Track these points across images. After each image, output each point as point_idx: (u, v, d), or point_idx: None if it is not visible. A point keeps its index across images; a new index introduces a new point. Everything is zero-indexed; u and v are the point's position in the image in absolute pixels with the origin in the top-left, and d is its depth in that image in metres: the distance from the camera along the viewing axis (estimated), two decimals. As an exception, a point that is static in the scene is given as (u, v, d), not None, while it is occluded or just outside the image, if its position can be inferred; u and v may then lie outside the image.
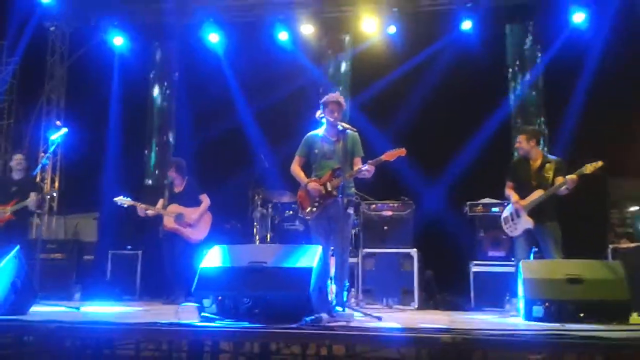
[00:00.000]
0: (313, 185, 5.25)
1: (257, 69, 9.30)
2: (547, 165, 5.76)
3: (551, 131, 8.67)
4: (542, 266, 5.07)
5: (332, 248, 5.17)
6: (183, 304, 5.81)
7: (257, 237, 7.41)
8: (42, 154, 9.41)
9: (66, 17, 9.98)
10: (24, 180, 6.92)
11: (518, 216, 5.77)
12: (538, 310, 4.55)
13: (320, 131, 5.45)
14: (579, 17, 8.65)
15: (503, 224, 5.99)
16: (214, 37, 9.61)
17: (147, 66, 10.31)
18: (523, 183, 5.84)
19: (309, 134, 5.51)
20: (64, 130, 6.40)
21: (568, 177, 5.45)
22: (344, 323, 4.12)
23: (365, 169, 5.05)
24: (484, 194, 7.49)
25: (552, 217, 5.67)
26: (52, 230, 9.70)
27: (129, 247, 8.23)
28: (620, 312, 4.36)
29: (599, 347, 3.18)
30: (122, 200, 7.10)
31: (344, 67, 9.76)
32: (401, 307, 6.79)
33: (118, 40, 9.86)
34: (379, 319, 4.71)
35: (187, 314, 4.20)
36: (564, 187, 5.48)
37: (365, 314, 4.99)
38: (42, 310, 4.93)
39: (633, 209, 7.51)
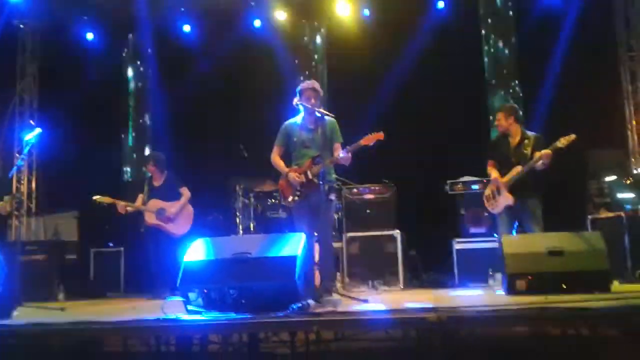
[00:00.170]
0: (293, 175, 5.24)
1: (232, 57, 9.23)
2: (526, 141, 5.80)
3: (526, 96, 8.73)
4: (522, 240, 5.14)
5: (316, 235, 5.19)
6: (169, 298, 5.80)
7: (240, 228, 7.39)
8: (17, 155, 9.26)
9: (35, 14, 9.77)
10: (-1, 183, 6.81)
11: (499, 193, 5.82)
12: (520, 284, 4.63)
13: (298, 119, 5.42)
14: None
15: (485, 201, 6.04)
16: (187, 27, 9.52)
17: (119, 53, 10.20)
18: (503, 160, 5.88)
19: (286, 122, 5.48)
20: (38, 130, 6.30)
21: (543, 151, 5.50)
22: (330, 308, 4.15)
23: (344, 156, 5.05)
24: (464, 171, 7.54)
25: (532, 193, 5.72)
26: (31, 231, 9.58)
27: (111, 244, 8.17)
28: (601, 281, 4.43)
29: (584, 318, 3.23)
30: (101, 199, 7.03)
31: (319, 52, 9.72)
32: (387, 288, 6.85)
33: (89, 35, 9.76)
34: (366, 301, 4.75)
35: (173, 309, 4.18)
36: (540, 162, 5.53)
37: (352, 298, 5.02)
38: (26, 313, 4.88)
39: (609, 179, 7.61)
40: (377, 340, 4.34)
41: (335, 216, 6.95)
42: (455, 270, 7.04)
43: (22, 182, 9.58)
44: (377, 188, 7.43)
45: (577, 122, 6.86)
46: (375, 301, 4.88)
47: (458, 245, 7.12)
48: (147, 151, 9.91)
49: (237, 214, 7.45)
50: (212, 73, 9.38)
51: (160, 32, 9.80)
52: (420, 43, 8.78)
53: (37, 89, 10.04)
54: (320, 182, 4.98)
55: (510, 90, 8.86)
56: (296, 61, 9.61)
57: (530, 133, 5.91)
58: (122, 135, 10.13)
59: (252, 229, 7.39)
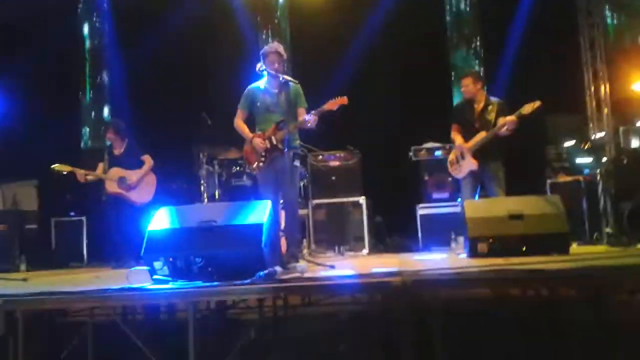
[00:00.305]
0: (257, 140, 5.20)
1: (193, 22, 8.99)
2: (490, 107, 5.87)
3: (487, 61, 8.79)
4: (484, 205, 5.24)
5: (281, 201, 5.18)
6: (133, 268, 5.75)
7: (206, 196, 7.33)
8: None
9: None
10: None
11: (463, 158, 5.90)
12: (482, 247, 4.73)
13: (261, 83, 5.33)
14: None
15: (449, 166, 6.11)
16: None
17: (74, 10, 9.90)
18: (467, 126, 5.94)
19: (250, 86, 5.40)
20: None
21: (508, 118, 5.57)
22: (297, 274, 4.17)
23: (309, 119, 5.03)
24: (428, 134, 7.60)
25: (495, 158, 5.82)
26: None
27: (72, 213, 8.02)
28: (560, 244, 4.56)
29: (543, 279, 3.33)
30: (60, 167, 6.86)
31: (281, 9, 9.54)
32: (353, 253, 6.93)
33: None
34: (332, 267, 4.79)
35: (138, 278, 4.15)
36: (504, 128, 5.61)
37: (318, 264, 5.05)
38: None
39: (568, 144, 7.78)
40: (344, 304, 4.41)
41: (301, 183, 6.95)
42: (420, 235, 7.16)
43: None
44: (342, 155, 7.44)
45: (536, 87, 6.96)
46: (342, 267, 4.93)
47: (422, 210, 7.24)
48: (105, 111, 9.68)
49: (202, 182, 7.37)
50: (171, 33, 9.06)
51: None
52: (384, 4, 8.72)
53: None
54: (285, 148, 4.96)
55: (472, 52, 8.93)
56: (258, 18, 9.43)
57: (493, 99, 5.97)
58: (80, 94, 9.83)
59: (217, 197, 7.34)
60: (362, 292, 3.90)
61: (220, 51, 8.88)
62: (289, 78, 5.12)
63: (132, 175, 6.94)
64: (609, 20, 8.43)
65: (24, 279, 5.23)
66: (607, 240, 6.49)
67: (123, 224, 6.81)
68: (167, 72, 9.12)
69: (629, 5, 8.28)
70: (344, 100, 5.07)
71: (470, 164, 5.82)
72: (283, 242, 5.35)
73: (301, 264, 4.91)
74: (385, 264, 5.09)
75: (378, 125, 8.36)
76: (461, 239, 6.06)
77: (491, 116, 5.81)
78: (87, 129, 9.79)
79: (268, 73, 5.16)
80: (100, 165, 7.03)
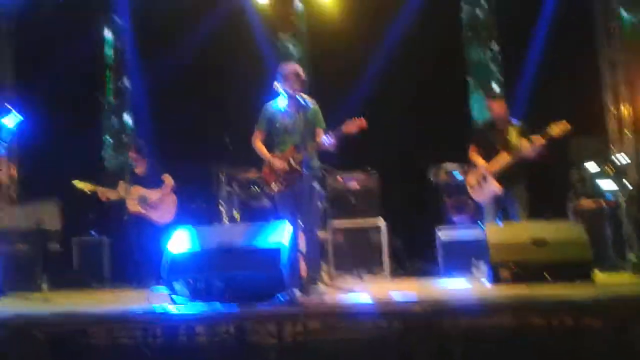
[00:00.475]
0: (276, 161, 5.21)
1: (213, 38, 9.05)
2: (511, 129, 5.82)
3: (507, 85, 8.74)
4: (506, 229, 5.19)
5: (300, 224, 5.17)
6: (154, 288, 5.77)
7: (225, 216, 7.35)
8: (-4, 142, 9.07)
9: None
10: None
11: (485, 181, 5.82)
12: (504, 273, 4.67)
13: (279, 103, 5.32)
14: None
15: (470, 190, 6.04)
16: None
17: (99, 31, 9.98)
18: (488, 148, 5.87)
19: (267, 105, 5.38)
20: (18, 117, 6.20)
21: (534, 137, 5.48)
22: (317, 299, 4.16)
23: (328, 143, 5.01)
24: (444, 157, 7.55)
25: (518, 181, 5.75)
26: (13, 220, 9.41)
27: (94, 232, 8.08)
28: (584, 271, 4.49)
29: (568, 309, 3.27)
30: (82, 185, 6.96)
31: (299, 37, 9.61)
32: (372, 277, 6.87)
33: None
34: (351, 291, 4.76)
35: (158, 299, 4.17)
36: (531, 150, 5.53)
37: (338, 288, 5.03)
38: (8, 304, 4.83)
39: (591, 167, 7.67)
40: (363, 329, 4.36)
41: (320, 205, 6.94)
42: (440, 260, 7.07)
43: (1, 169, 9.41)
44: (360, 176, 7.43)
45: (557, 108, 6.87)
46: (361, 291, 4.90)
47: (442, 234, 7.14)
48: (126, 117, 9.74)
49: (221, 202, 7.40)
50: (192, 50, 9.17)
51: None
52: (402, 24, 8.72)
53: (14, 73, 9.80)
54: (304, 170, 4.95)
55: (490, 72, 8.92)
56: (277, 34, 9.47)
57: (515, 121, 5.93)
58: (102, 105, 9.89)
59: (236, 217, 7.36)
60: (381, 319, 3.86)
61: (238, 68, 8.91)
62: (307, 97, 5.12)
63: (153, 195, 7.00)
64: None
65: (46, 299, 5.29)
66: (631, 268, 6.36)
67: (145, 244, 6.85)
68: (187, 87, 9.12)
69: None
70: (362, 123, 5.03)
71: (494, 188, 5.73)
72: (302, 265, 5.34)
73: (321, 287, 4.90)
74: (405, 289, 5.06)
75: (393, 143, 8.27)
76: (482, 264, 5.99)
77: (514, 139, 5.76)
78: (109, 139, 9.83)
79: (287, 93, 5.16)
80: (121, 184, 7.10)
